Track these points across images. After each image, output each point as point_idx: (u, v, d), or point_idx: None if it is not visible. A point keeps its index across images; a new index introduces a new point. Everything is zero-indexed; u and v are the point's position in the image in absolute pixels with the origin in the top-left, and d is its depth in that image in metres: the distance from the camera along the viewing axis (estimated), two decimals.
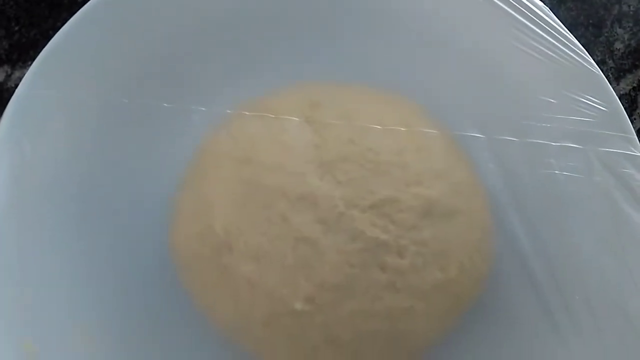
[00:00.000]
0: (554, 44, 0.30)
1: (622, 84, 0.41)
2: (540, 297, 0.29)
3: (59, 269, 0.29)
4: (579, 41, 0.31)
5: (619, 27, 0.41)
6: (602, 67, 0.34)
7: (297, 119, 0.29)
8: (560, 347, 0.28)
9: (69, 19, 0.37)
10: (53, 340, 0.28)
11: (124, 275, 0.30)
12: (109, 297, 0.29)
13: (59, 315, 0.28)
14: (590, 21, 0.41)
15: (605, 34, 0.41)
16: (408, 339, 0.28)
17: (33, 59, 0.36)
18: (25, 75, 0.28)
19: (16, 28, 0.37)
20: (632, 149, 0.29)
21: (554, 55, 0.30)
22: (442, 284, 0.28)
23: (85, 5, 0.29)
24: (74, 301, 0.29)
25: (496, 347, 0.29)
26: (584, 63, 0.30)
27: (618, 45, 0.41)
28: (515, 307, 0.29)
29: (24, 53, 0.37)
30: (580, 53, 0.31)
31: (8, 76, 0.37)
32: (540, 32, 0.30)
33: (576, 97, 0.30)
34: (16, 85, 0.36)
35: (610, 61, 0.41)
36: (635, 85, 0.41)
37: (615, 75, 0.41)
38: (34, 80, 0.28)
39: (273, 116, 0.28)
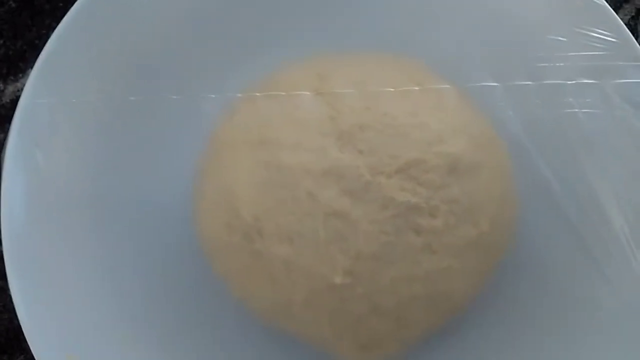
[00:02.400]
0: None
1: (621, 14, 0.40)
2: (574, 236, 0.29)
3: (86, 276, 0.28)
4: None
5: None
6: None
7: (308, 93, 0.28)
8: (602, 282, 0.28)
9: (53, 25, 0.36)
10: (90, 348, 0.28)
11: (154, 274, 0.29)
12: (141, 297, 0.29)
13: (95, 322, 0.28)
14: None
15: None
16: (448, 299, 0.28)
17: (23, 71, 0.36)
18: (26, 86, 0.27)
19: (0, 42, 0.36)
20: None
21: None
22: (476, 239, 0.28)
23: (74, 7, 0.28)
24: (106, 305, 0.28)
25: (537, 292, 0.29)
26: None
27: None
28: (550, 250, 0.29)
29: (13, 66, 0.36)
30: None
31: (1, 92, 0.36)
32: None
33: (585, 32, 0.29)
34: (11, 101, 0.36)
35: None
36: (633, 14, 0.40)
37: (612, 6, 0.40)
38: (35, 90, 0.27)
39: (284, 94, 0.28)
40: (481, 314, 0.30)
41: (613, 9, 0.40)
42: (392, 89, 0.28)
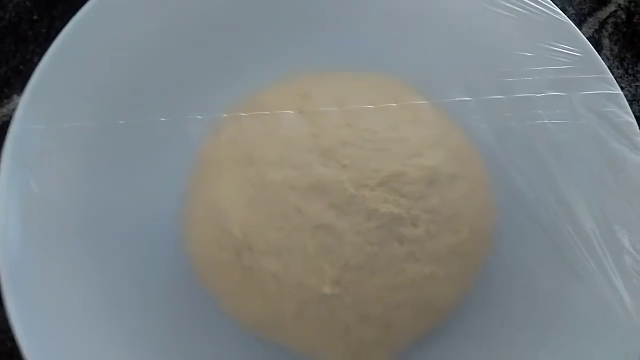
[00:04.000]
0: None
1: (585, 28, 0.42)
2: (548, 239, 0.30)
3: (82, 297, 0.29)
4: None
5: None
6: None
7: (291, 112, 0.29)
8: (575, 282, 0.29)
9: (37, 51, 0.37)
10: None
11: (146, 292, 0.30)
12: (135, 316, 0.30)
13: (92, 341, 0.28)
14: None
15: None
16: (433, 304, 0.30)
17: (9, 97, 0.36)
18: (16, 112, 0.28)
19: None
20: (610, 87, 0.31)
21: (522, 10, 0.32)
22: (456, 246, 0.29)
23: (61, 34, 0.29)
24: (101, 325, 0.29)
25: (518, 294, 0.30)
26: (551, 13, 0.32)
27: None
28: (526, 253, 0.31)
29: None
30: (546, 4, 0.32)
31: None
32: None
33: (550, 47, 0.31)
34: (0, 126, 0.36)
35: (570, 8, 0.43)
36: (597, 27, 0.43)
37: (576, 21, 0.42)
38: (26, 116, 0.28)
39: (268, 113, 0.29)
40: (464, 318, 0.31)
41: (577, 23, 0.43)
42: (371, 106, 0.29)
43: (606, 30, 0.43)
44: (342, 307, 0.28)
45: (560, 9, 0.32)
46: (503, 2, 0.32)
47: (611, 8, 0.43)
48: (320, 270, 0.27)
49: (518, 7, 0.32)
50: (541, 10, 0.32)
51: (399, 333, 0.29)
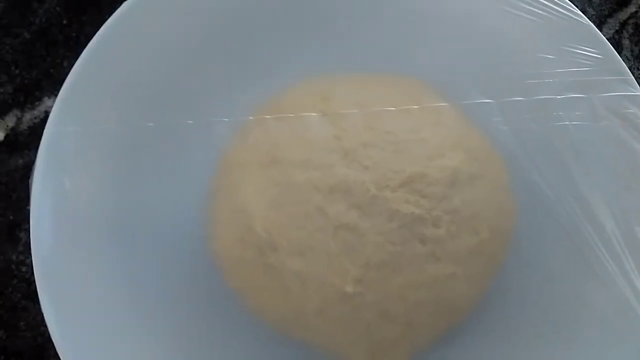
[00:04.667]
0: (541, 2, 0.32)
1: (605, 29, 0.42)
2: (568, 240, 0.30)
3: (111, 293, 0.30)
4: None
5: None
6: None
7: (314, 114, 0.30)
8: (596, 283, 0.29)
9: (67, 54, 0.38)
10: None
11: (172, 290, 0.31)
12: (161, 313, 0.31)
13: (121, 336, 0.29)
14: None
15: None
16: (453, 303, 0.30)
17: (40, 100, 0.38)
18: (50, 114, 0.29)
19: (17, 71, 0.38)
20: (631, 89, 0.31)
21: (543, 13, 0.32)
22: (477, 246, 0.29)
23: (93, 39, 0.30)
24: (130, 320, 0.30)
25: (537, 295, 0.31)
26: (572, 16, 0.32)
27: None
28: (546, 253, 0.31)
29: (30, 94, 0.38)
30: (567, 7, 0.32)
31: (19, 119, 0.37)
32: None
33: (572, 49, 0.31)
34: (29, 127, 0.37)
35: (590, 9, 0.43)
36: (617, 28, 0.43)
37: (596, 22, 0.42)
38: (59, 119, 0.29)
39: (292, 115, 0.30)
40: (483, 317, 0.31)
41: (597, 24, 0.43)
42: (392, 108, 0.30)
43: (627, 32, 0.42)
44: (364, 306, 0.28)
45: (580, 10, 0.32)
46: (523, 5, 0.32)
47: (631, 9, 0.43)
48: (343, 269, 0.28)
49: (538, 9, 0.32)
50: (561, 12, 0.32)
51: (420, 331, 0.30)
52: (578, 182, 0.30)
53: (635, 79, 0.31)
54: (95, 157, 0.29)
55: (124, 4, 0.30)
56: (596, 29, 0.32)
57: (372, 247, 0.28)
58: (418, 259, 0.28)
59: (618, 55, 0.31)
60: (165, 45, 0.31)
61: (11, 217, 0.36)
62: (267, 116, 0.30)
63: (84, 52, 0.29)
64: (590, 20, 0.41)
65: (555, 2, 0.32)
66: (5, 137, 0.37)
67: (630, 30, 0.42)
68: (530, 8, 0.32)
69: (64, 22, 0.39)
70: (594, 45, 0.31)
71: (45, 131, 0.28)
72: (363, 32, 0.33)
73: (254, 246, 0.29)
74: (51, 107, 0.29)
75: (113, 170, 0.30)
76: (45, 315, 0.27)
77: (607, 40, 0.32)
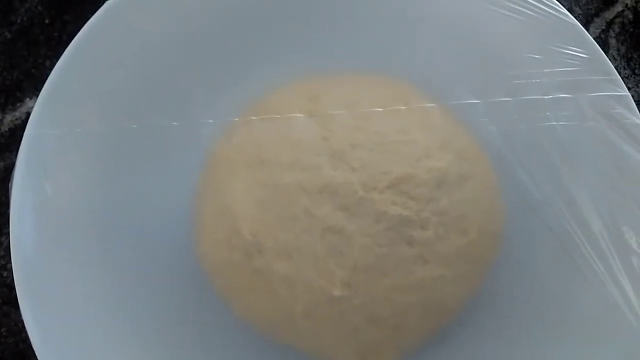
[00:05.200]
0: (528, 1, 0.32)
1: (592, 29, 0.43)
2: (556, 240, 0.30)
3: (93, 298, 0.29)
4: None
5: None
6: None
7: (301, 115, 0.29)
8: (584, 283, 0.29)
9: (49, 54, 0.38)
10: None
11: (158, 294, 0.30)
12: (147, 317, 0.30)
13: (104, 341, 0.29)
14: None
15: None
16: (442, 306, 0.30)
17: (21, 100, 0.37)
18: (31, 116, 0.28)
19: None
20: (618, 89, 0.31)
21: (529, 12, 0.32)
22: (465, 248, 0.29)
23: (75, 40, 0.29)
24: (113, 326, 0.29)
25: (526, 295, 0.31)
26: (559, 15, 0.32)
27: None
28: (535, 253, 0.31)
29: (11, 95, 0.37)
30: (554, 6, 0.32)
31: (0, 121, 0.36)
32: None
33: (558, 49, 0.31)
34: (10, 129, 0.37)
35: (577, 8, 0.43)
36: (603, 27, 0.43)
37: (583, 22, 0.43)
38: (40, 121, 0.28)
39: (279, 116, 0.29)
40: (472, 318, 0.31)
41: (584, 23, 0.43)
42: (380, 109, 0.29)
43: (613, 31, 0.43)
44: (351, 309, 0.28)
45: (567, 10, 0.32)
46: (510, 4, 0.32)
47: (618, 8, 0.43)
48: (330, 272, 0.27)
49: (525, 8, 0.32)
50: (548, 11, 0.32)
51: (408, 334, 0.29)
52: (565, 182, 0.30)
53: (622, 78, 0.31)
54: (77, 160, 0.29)
55: (107, 3, 0.30)
56: (583, 29, 0.32)
57: (359, 250, 0.27)
58: (406, 262, 0.28)
59: (605, 55, 0.31)
60: (149, 45, 0.30)
61: None
62: (254, 117, 0.29)
63: (65, 52, 0.29)
64: (577, 19, 0.41)
65: (542, 1, 0.32)
66: None
67: (617, 30, 0.43)
68: (518, 7, 0.32)
69: (46, 21, 0.38)
70: (581, 45, 0.31)
71: (25, 134, 0.28)
72: (351, 32, 0.33)
73: (240, 248, 0.29)
74: (32, 108, 0.29)
75: (95, 173, 0.29)
76: (25, 321, 0.27)
77: (594, 40, 0.32)
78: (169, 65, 0.31)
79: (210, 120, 0.30)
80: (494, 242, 0.31)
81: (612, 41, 0.42)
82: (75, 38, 0.29)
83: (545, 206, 0.30)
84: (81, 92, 0.29)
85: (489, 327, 0.31)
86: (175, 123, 0.29)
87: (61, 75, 0.29)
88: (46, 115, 0.28)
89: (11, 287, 0.34)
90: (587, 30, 0.43)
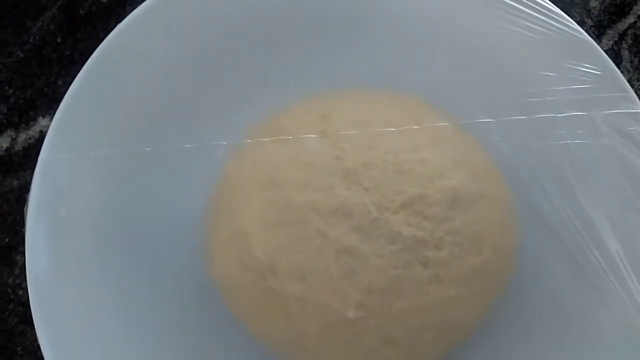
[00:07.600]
0: (540, 18, 0.32)
1: (604, 41, 0.42)
2: (571, 260, 0.30)
3: (107, 321, 0.29)
4: (556, 6, 0.32)
5: None
6: (582, 27, 0.35)
7: (313, 135, 0.29)
8: (599, 303, 0.29)
9: (62, 73, 0.38)
10: None
11: (171, 314, 0.30)
12: (159, 339, 0.30)
13: None
14: None
15: None
16: (456, 326, 0.30)
17: (34, 119, 0.37)
18: (45, 141, 0.28)
19: (10, 91, 0.38)
20: (633, 106, 0.30)
21: (542, 30, 0.31)
22: (480, 267, 0.29)
23: (88, 63, 0.29)
24: (127, 347, 0.29)
25: (540, 314, 0.30)
26: (572, 32, 0.32)
27: (593, 3, 0.43)
28: (550, 273, 0.31)
29: (24, 114, 0.37)
30: (567, 23, 0.32)
31: (14, 140, 0.37)
32: (525, 10, 0.32)
33: (572, 66, 0.31)
34: (24, 148, 0.37)
35: (589, 20, 0.42)
36: (616, 39, 0.42)
37: (595, 34, 0.42)
38: (53, 145, 0.28)
39: (291, 137, 0.29)
40: (486, 337, 0.31)
41: (596, 35, 0.42)
42: (393, 129, 0.29)
43: (626, 42, 0.42)
44: (365, 330, 0.28)
45: (579, 21, 0.31)
46: (522, 21, 0.32)
47: (630, 19, 0.43)
48: (344, 294, 0.27)
49: (537, 25, 0.32)
50: (560, 28, 0.32)
51: (422, 355, 0.29)
52: (581, 200, 0.30)
53: (635, 90, 0.31)
54: (90, 183, 0.29)
55: (118, 26, 0.30)
56: (596, 45, 0.31)
57: (373, 271, 0.27)
58: (420, 283, 0.28)
59: (619, 72, 0.31)
60: (162, 68, 0.30)
61: (7, 240, 0.35)
62: (266, 139, 0.29)
63: (78, 76, 0.29)
64: (588, 31, 0.41)
65: (554, 17, 0.32)
66: (0, 158, 0.36)
67: (630, 41, 0.42)
68: (529, 25, 0.31)
69: (58, 40, 0.38)
70: (594, 62, 0.31)
71: (39, 158, 0.28)
72: (363, 49, 0.33)
73: (253, 269, 0.29)
74: (46, 126, 0.29)
75: (108, 195, 0.29)
76: (39, 340, 0.27)
77: (607, 56, 0.31)
78: (182, 87, 0.31)
79: (223, 142, 0.30)
80: (509, 260, 0.31)
81: (625, 53, 0.42)
82: (88, 61, 0.29)
83: (560, 224, 0.30)
84: (94, 115, 0.29)
85: (504, 347, 0.31)
86: (188, 145, 0.29)
87: (73, 100, 0.29)
88: (59, 139, 0.28)
89: (27, 306, 0.34)
90: (600, 42, 0.43)
